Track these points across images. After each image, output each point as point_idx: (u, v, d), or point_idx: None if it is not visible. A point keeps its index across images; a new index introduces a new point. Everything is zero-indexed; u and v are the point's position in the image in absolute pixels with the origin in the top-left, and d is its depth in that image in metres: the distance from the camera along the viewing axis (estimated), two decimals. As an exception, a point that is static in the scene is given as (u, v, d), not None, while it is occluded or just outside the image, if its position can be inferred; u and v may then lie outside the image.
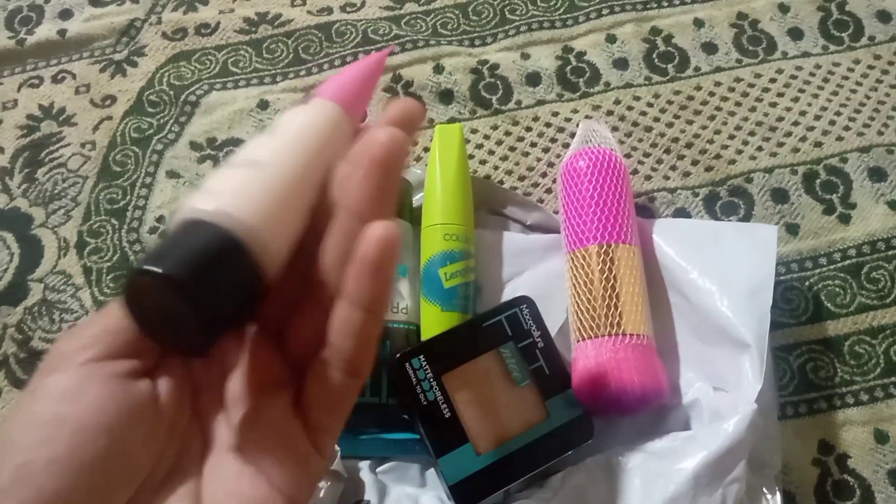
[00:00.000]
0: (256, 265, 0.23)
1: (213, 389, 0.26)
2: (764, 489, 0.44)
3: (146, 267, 0.21)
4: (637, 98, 0.62)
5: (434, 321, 0.49)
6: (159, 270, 0.21)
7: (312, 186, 0.26)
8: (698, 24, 0.65)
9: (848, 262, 0.55)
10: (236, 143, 0.61)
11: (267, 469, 0.24)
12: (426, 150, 0.60)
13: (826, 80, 0.62)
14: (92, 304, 0.55)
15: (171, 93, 0.63)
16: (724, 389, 0.46)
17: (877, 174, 0.58)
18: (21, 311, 0.55)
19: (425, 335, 0.49)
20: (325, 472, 0.43)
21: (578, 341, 0.47)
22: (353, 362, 0.24)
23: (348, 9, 0.67)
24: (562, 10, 0.66)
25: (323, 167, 0.26)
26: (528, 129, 0.61)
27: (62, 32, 0.66)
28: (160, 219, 0.58)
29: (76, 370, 0.23)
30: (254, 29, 0.66)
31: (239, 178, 0.24)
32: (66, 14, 0.68)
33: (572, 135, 0.59)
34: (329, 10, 0.67)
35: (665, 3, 0.66)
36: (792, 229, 0.56)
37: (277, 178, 0.25)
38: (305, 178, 0.26)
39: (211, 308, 0.22)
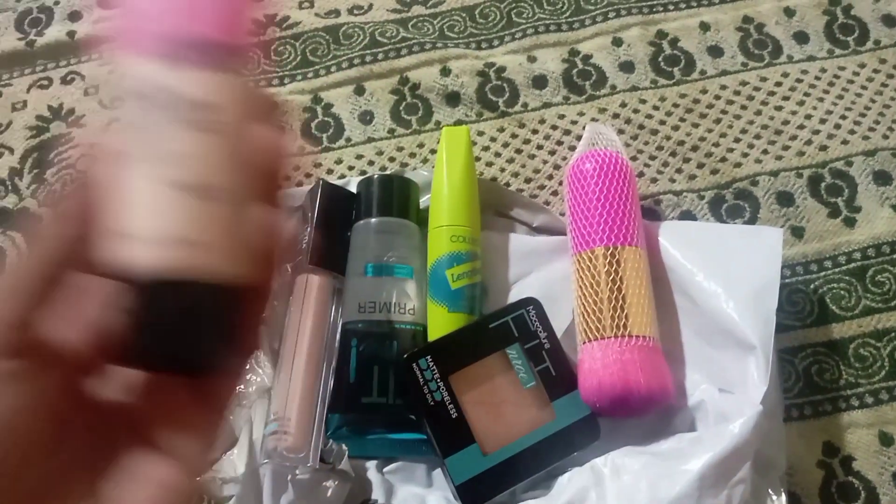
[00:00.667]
0: (219, 290, 0.23)
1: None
2: (769, 490, 0.45)
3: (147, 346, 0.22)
4: (643, 101, 0.62)
5: (441, 322, 0.49)
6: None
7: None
8: (704, 27, 0.65)
9: (853, 265, 0.55)
10: (244, 144, 0.61)
11: (177, 452, 0.24)
12: (433, 152, 0.60)
13: (831, 84, 0.62)
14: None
15: (180, 94, 0.64)
16: (730, 391, 0.46)
17: (882, 178, 0.58)
18: (30, 310, 0.55)
19: (432, 336, 0.49)
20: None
21: (584, 343, 0.47)
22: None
23: (356, 11, 0.68)
24: (568, 14, 0.66)
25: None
26: (535, 131, 0.61)
27: (71, 34, 0.67)
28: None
29: None
30: (262, 31, 0.67)
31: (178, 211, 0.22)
32: (75, 16, 0.68)
33: (578, 137, 0.60)
34: (336, 13, 0.68)
35: (671, 7, 0.66)
36: (797, 232, 0.56)
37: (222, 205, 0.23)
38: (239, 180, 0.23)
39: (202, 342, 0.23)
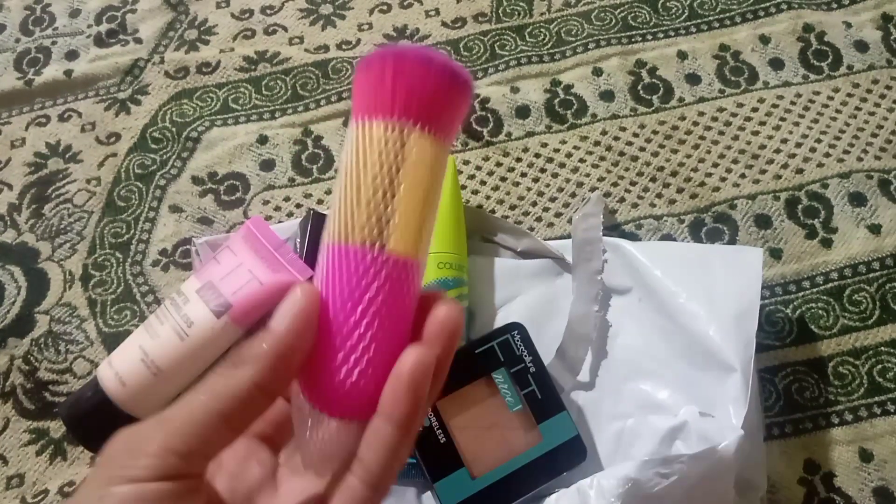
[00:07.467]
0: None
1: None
2: (751, 509, 0.46)
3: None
4: (623, 129, 0.64)
5: (429, 348, 0.50)
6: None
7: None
8: (682, 56, 0.67)
9: (830, 285, 0.56)
10: (237, 176, 0.63)
11: None
12: (420, 181, 0.61)
13: (806, 109, 0.64)
14: (97, 336, 0.57)
15: (174, 129, 0.65)
16: (711, 414, 0.47)
17: (857, 199, 0.60)
18: (28, 342, 0.57)
19: (420, 362, 0.50)
20: None
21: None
22: (375, 475, 0.26)
23: (344, 46, 0.70)
24: (549, 45, 0.68)
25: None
26: (518, 159, 0.63)
27: (68, 73, 0.69)
28: (163, 252, 0.60)
29: None
30: (253, 67, 0.68)
31: (139, 375, 0.35)
32: (72, 55, 0.70)
33: (561, 165, 0.61)
34: (325, 48, 0.70)
35: (649, 37, 0.69)
36: (775, 254, 0.58)
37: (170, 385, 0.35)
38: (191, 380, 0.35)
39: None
